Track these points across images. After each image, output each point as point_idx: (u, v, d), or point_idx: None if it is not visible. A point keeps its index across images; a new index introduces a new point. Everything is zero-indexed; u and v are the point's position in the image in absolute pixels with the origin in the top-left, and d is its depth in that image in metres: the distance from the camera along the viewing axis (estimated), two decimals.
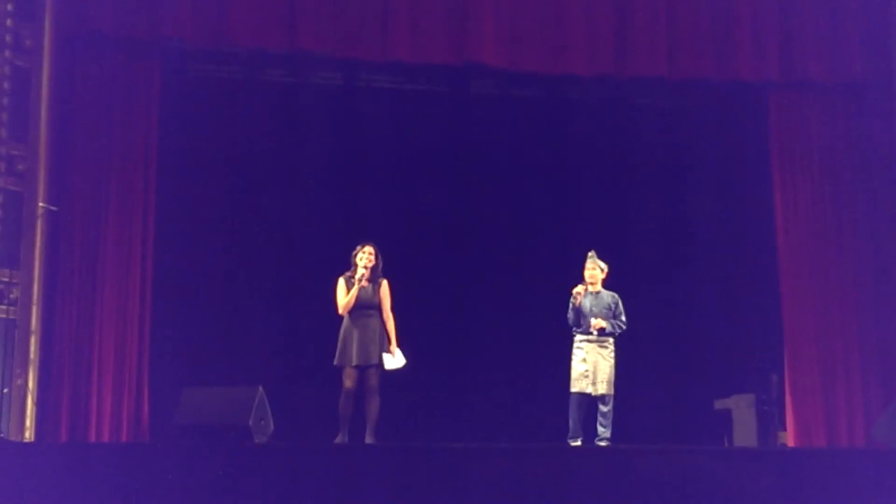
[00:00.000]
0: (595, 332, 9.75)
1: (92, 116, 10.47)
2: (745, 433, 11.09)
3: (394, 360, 9.48)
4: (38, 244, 9.97)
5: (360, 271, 9.43)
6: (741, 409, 11.21)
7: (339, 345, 9.44)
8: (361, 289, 9.42)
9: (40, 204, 9.92)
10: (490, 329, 11.94)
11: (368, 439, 9.29)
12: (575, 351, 9.86)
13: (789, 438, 11.01)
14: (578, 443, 9.67)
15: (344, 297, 9.45)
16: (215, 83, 11.58)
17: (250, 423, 8.54)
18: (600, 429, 9.73)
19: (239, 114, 11.63)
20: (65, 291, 10.20)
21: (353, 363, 9.34)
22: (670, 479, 7.93)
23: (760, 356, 11.70)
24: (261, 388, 8.85)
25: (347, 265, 9.58)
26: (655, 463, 8.12)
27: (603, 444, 9.62)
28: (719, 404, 11.52)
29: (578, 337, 9.86)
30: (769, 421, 11.18)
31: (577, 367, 9.80)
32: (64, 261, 10.24)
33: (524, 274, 12.06)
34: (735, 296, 12.14)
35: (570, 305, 9.86)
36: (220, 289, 11.50)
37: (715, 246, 12.12)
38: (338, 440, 9.29)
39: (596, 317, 9.77)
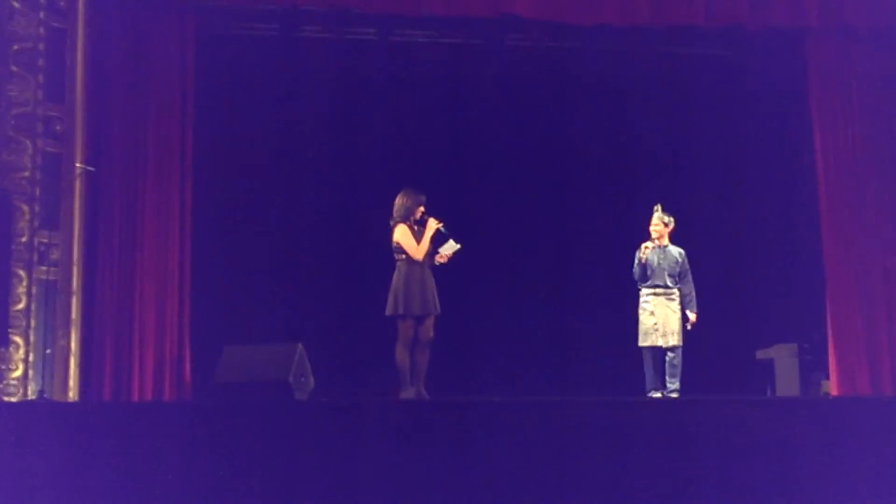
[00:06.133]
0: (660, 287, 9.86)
1: (128, 76, 10.46)
2: (787, 382, 11.02)
3: (454, 244, 9.34)
4: (77, 205, 10.00)
5: (432, 220, 9.29)
6: (783, 359, 11.14)
7: (401, 295, 9.15)
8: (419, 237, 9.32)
9: (78, 164, 9.95)
10: (548, 282, 11.92)
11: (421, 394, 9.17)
12: (642, 305, 9.90)
13: (833, 387, 10.94)
14: (659, 394, 9.67)
15: (417, 244, 9.23)
16: (251, 40, 11.49)
17: (290, 379, 8.54)
18: (669, 380, 9.78)
19: (275, 69, 11.59)
20: (105, 251, 10.22)
21: (417, 313, 9.17)
22: (714, 429, 7.85)
23: (802, 305, 11.60)
24: (300, 345, 8.84)
25: (388, 217, 9.44)
26: (698, 414, 8.05)
27: (673, 395, 9.65)
28: (761, 354, 11.44)
29: (645, 291, 9.91)
30: (812, 369, 11.11)
31: (646, 320, 9.84)
32: (103, 220, 10.25)
33: (575, 229, 11.98)
34: (776, 245, 12.04)
35: (637, 260, 9.85)
36: (260, 245, 11.50)
37: (755, 194, 12.00)
38: (406, 395, 9.07)
39: (664, 271, 9.84)
